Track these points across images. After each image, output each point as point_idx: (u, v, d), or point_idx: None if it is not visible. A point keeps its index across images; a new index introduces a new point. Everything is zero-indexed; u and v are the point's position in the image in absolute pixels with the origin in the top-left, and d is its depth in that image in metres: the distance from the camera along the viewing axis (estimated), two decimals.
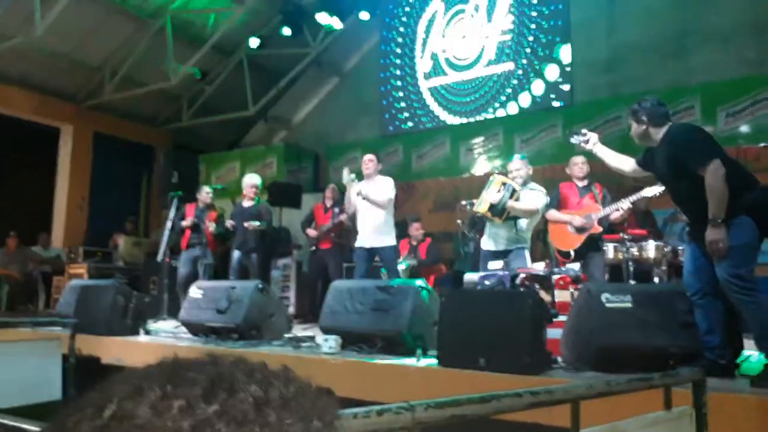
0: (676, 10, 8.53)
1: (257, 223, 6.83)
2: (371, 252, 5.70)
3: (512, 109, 9.75)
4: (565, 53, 9.28)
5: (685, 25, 8.44)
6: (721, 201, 2.93)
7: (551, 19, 9.45)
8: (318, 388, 0.53)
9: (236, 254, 6.96)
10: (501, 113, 9.85)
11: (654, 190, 4.97)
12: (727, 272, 2.96)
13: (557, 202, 5.35)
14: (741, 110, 7.86)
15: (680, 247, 5.80)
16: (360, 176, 5.82)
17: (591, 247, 5.20)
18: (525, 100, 9.63)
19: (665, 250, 5.60)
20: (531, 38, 9.63)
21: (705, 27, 8.28)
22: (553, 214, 5.27)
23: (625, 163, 3.58)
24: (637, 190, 5.08)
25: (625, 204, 5.12)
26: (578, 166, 5.43)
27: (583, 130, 3.78)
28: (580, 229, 5.23)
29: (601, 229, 5.22)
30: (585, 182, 5.43)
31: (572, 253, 5.23)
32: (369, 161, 5.79)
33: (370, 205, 5.64)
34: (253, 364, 0.52)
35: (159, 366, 0.50)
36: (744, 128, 7.84)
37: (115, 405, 0.45)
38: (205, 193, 7.41)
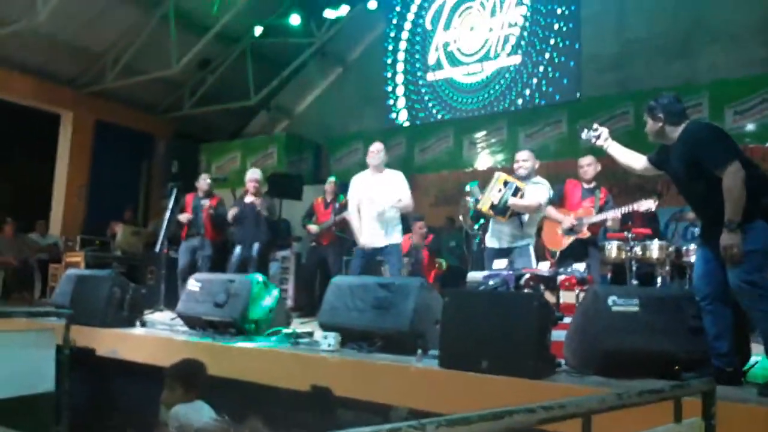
0: (685, 8, 8.45)
1: (266, 213, 6.67)
2: (374, 252, 5.46)
3: (517, 103, 9.65)
4: (574, 49, 9.16)
5: (694, 22, 8.37)
6: (739, 205, 2.83)
7: (562, 14, 9.33)
8: None
9: (237, 249, 6.71)
10: (506, 107, 9.74)
11: (647, 205, 4.90)
12: (739, 278, 2.88)
13: (559, 198, 5.24)
14: (748, 109, 7.79)
15: (684, 247, 5.74)
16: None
17: (579, 251, 5.08)
18: (530, 94, 9.53)
19: (669, 250, 5.52)
20: (540, 32, 9.51)
21: (714, 25, 8.21)
22: (549, 210, 5.14)
23: (635, 161, 3.46)
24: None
25: (615, 214, 5.04)
26: (583, 168, 5.30)
27: (594, 125, 3.61)
28: (568, 231, 5.14)
29: (588, 234, 5.12)
30: (592, 185, 5.32)
31: (557, 253, 5.14)
32: (378, 151, 5.49)
33: (376, 200, 5.38)
34: None
35: None
36: (751, 127, 7.77)
37: None
38: (203, 181, 7.30)
